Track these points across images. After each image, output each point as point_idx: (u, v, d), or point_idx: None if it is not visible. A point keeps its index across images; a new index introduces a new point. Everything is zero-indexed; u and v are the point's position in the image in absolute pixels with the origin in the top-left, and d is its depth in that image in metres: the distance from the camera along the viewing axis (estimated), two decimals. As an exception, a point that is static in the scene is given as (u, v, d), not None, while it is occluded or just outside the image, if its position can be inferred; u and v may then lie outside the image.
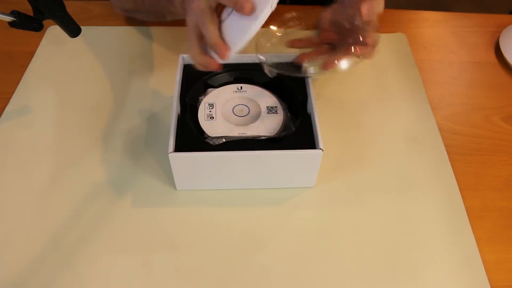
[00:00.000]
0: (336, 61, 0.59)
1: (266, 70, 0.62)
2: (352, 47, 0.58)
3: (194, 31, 0.53)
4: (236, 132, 0.57)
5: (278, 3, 0.95)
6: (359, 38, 0.58)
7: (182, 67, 0.64)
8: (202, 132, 0.58)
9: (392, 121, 0.69)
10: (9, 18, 0.54)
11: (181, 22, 0.85)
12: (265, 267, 0.53)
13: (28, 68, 0.75)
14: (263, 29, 0.56)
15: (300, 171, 0.58)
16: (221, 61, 0.53)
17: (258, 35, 0.59)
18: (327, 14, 0.65)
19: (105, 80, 0.73)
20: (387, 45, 0.82)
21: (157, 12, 0.70)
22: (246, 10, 0.49)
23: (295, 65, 0.63)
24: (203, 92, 0.63)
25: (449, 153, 0.65)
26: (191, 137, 0.56)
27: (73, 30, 0.62)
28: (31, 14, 0.56)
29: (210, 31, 0.51)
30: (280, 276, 0.52)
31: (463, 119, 0.71)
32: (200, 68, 0.56)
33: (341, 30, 0.62)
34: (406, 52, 0.81)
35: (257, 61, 0.66)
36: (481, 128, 0.70)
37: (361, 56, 0.58)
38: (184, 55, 0.64)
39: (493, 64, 0.81)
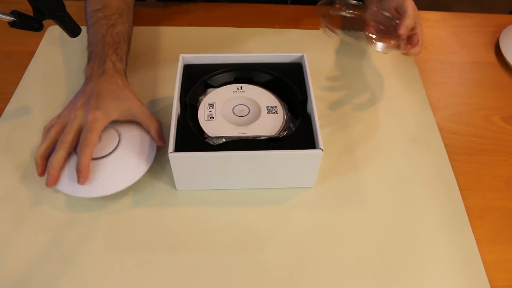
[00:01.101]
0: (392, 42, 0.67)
1: (327, 33, 0.67)
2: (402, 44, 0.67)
3: (55, 129, 0.58)
4: (236, 132, 0.57)
5: (279, 3, 0.96)
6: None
7: (182, 67, 0.64)
8: (202, 132, 0.58)
9: (392, 121, 0.69)
10: (9, 18, 0.54)
11: (180, 22, 0.85)
12: (265, 267, 0.53)
13: (28, 68, 0.75)
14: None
15: (300, 171, 0.58)
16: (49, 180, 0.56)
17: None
18: (368, 17, 0.73)
19: (105, 80, 0.73)
20: (387, 45, 0.82)
21: None
22: (79, 180, 0.55)
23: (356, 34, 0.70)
24: (203, 92, 0.63)
25: (449, 153, 0.65)
26: (191, 137, 0.56)
27: (73, 30, 0.62)
28: (31, 14, 0.56)
29: (83, 152, 0.55)
30: (280, 276, 0.52)
31: (463, 119, 0.71)
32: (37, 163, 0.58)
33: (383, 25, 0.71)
34: (406, 52, 0.81)
35: (257, 61, 0.66)
36: (481, 128, 0.70)
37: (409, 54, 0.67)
38: (184, 55, 0.64)
39: (493, 64, 0.81)
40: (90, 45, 0.68)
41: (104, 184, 0.57)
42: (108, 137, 0.60)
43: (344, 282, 0.52)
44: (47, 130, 0.60)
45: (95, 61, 0.64)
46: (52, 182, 0.55)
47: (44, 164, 0.57)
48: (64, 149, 0.56)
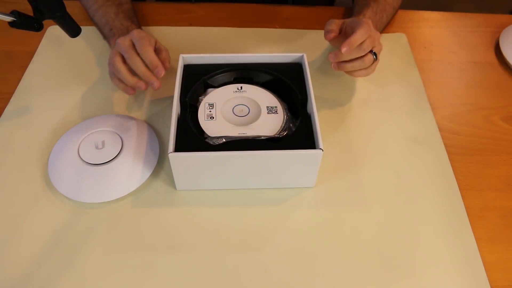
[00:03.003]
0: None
1: None
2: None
3: (118, 58, 0.62)
4: (236, 132, 0.57)
5: (279, 3, 0.96)
6: None
7: (182, 67, 0.64)
8: (202, 132, 0.58)
9: (392, 121, 0.69)
10: (9, 18, 0.54)
11: (180, 22, 0.85)
12: (265, 267, 0.53)
13: (28, 68, 0.75)
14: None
15: (300, 171, 0.58)
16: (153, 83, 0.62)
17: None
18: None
19: (105, 80, 0.73)
20: (387, 45, 0.82)
21: (100, 31, 0.79)
22: (159, 73, 0.61)
23: None
24: (203, 92, 0.63)
25: (449, 153, 0.65)
26: (191, 137, 0.56)
27: (73, 30, 0.62)
28: (31, 14, 0.56)
29: (148, 51, 0.61)
30: (280, 276, 0.52)
31: (463, 119, 0.71)
32: (127, 91, 0.65)
33: None
34: (406, 52, 0.81)
35: (257, 61, 0.66)
36: (481, 128, 0.70)
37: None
38: (184, 55, 0.64)
39: (493, 64, 0.81)
40: (104, 25, 0.74)
41: (108, 190, 0.57)
42: (111, 142, 0.60)
43: (344, 282, 0.52)
44: (112, 70, 0.64)
45: (118, 34, 0.71)
46: (162, 71, 0.61)
47: (138, 79, 0.63)
48: (135, 55, 0.62)
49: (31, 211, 0.57)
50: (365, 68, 0.65)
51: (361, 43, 0.62)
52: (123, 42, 0.62)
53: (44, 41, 0.80)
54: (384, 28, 0.83)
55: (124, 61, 0.63)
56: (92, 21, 0.79)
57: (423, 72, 0.78)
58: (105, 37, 0.76)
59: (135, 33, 0.63)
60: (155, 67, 0.61)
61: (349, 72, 0.67)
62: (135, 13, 0.79)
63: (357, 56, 0.63)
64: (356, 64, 0.64)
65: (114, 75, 0.64)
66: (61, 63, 0.76)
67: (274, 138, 0.57)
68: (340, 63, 0.65)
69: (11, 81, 0.73)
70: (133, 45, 0.63)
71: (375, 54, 0.64)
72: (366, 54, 0.63)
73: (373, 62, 0.65)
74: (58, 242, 0.54)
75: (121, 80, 0.64)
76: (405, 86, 0.75)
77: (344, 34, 0.66)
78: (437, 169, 0.63)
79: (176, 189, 0.59)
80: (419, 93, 0.74)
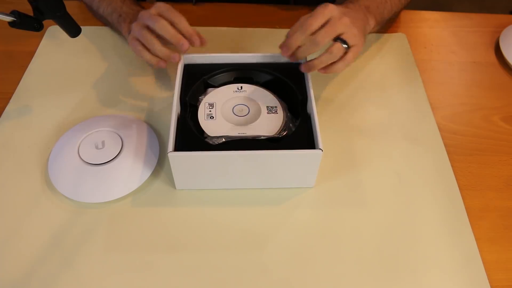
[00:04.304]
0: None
1: None
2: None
3: (147, 30, 0.61)
4: (236, 132, 0.57)
5: (282, 3, 0.96)
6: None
7: (182, 67, 0.64)
8: (202, 131, 0.58)
9: (392, 121, 0.69)
10: (9, 18, 0.54)
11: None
12: (265, 267, 0.53)
13: (28, 68, 0.75)
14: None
15: (299, 171, 0.58)
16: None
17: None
18: None
19: (105, 80, 0.73)
20: (387, 45, 0.82)
21: (106, 22, 0.79)
22: (197, 42, 0.61)
23: None
24: (203, 91, 0.63)
25: (449, 153, 0.65)
26: (191, 137, 0.56)
27: (73, 30, 0.62)
28: (31, 14, 0.56)
29: (182, 19, 0.60)
30: (280, 276, 0.52)
31: (463, 119, 0.71)
32: (159, 64, 0.63)
33: None
34: (406, 52, 0.81)
35: (257, 61, 0.66)
36: (481, 128, 0.70)
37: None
38: (185, 55, 0.64)
39: (493, 64, 0.81)
40: (112, 13, 0.73)
41: (108, 190, 0.57)
42: (111, 142, 0.60)
43: (344, 282, 0.52)
44: (136, 44, 0.62)
45: (129, 17, 0.70)
46: (198, 40, 0.61)
47: (170, 50, 0.62)
48: (165, 22, 0.60)
49: (31, 211, 0.57)
50: (340, 60, 0.58)
51: (316, 32, 0.55)
52: (148, 12, 0.61)
53: (44, 41, 0.80)
54: (392, 18, 0.79)
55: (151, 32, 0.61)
56: (95, 16, 0.79)
57: (423, 72, 0.78)
58: (113, 26, 0.75)
59: (161, 5, 0.61)
60: (192, 35, 0.60)
61: (326, 69, 0.59)
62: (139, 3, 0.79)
63: (312, 48, 0.56)
64: (324, 59, 0.57)
65: (143, 49, 0.62)
66: (61, 63, 0.76)
67: (273, 138, 0.57)
68: (309, 63, 0.59)
69: (11, 81, 0.73)
70: (160, 15, 0.60)
71: (345, 42, 0.56)
72: (332, 45, 0.56)
73: (345, 52, 0.57)
74: (58, 242, 0.54)
75: (152, 53, 0.62)
76: (405, 86, 0.75)
77: None
78: (437, 169, 0.63)
79: (175, 188, 0.59)
80: (419, 93, 0.74)
